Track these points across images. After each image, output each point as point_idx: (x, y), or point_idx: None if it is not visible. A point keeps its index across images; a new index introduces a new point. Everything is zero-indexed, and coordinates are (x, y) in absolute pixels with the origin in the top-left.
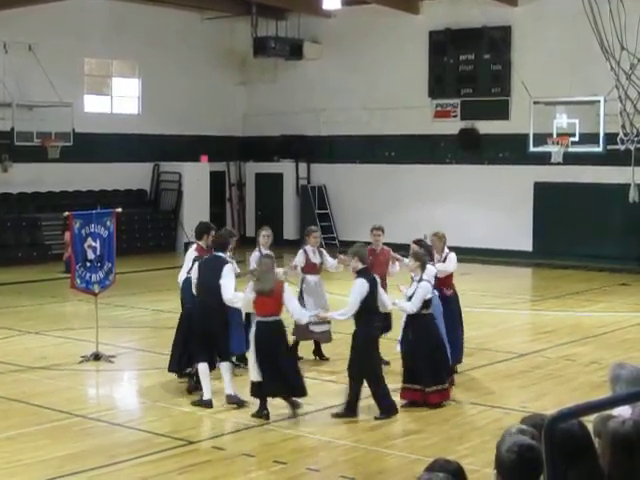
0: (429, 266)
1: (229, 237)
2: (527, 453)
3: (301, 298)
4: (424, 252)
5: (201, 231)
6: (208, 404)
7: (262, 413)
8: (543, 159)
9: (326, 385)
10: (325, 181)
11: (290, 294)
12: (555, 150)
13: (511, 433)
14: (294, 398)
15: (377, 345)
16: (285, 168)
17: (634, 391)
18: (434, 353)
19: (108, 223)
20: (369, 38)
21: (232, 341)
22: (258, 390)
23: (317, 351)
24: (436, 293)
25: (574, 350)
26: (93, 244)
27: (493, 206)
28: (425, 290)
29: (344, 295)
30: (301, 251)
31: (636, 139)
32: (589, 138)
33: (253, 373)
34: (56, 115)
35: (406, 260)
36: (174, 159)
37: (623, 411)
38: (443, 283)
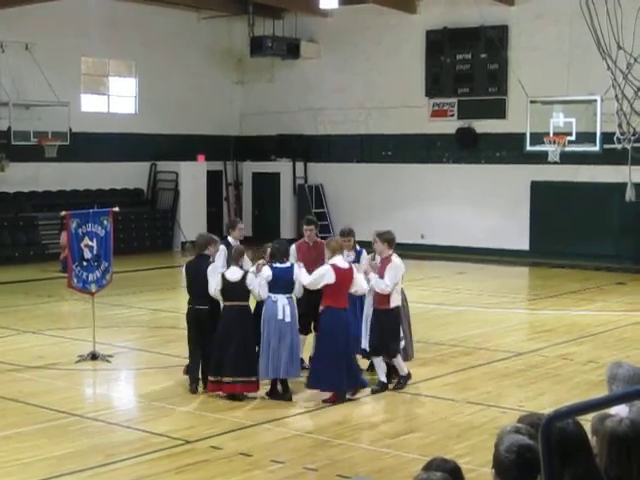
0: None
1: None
2: (527, 453)
3: None
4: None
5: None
6: None
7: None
8: (540, 158)
9: None
10: (322, 180)
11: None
12: (552, 149)
13: (507, 432)
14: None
15: (192, 324)
16: (282, 167)
17: (631, 390)
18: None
19: (105, 222)
20: (366, 37)
21: None
22: None
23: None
24: (272, 297)
25: (571, 349)
26: (90, 243)
27: (490, 205)
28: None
29: None
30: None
31: (633, 138)
32: (586, 137)
33: None
34: (53, 114)
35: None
36: (171, 158)
37: (620, 410)
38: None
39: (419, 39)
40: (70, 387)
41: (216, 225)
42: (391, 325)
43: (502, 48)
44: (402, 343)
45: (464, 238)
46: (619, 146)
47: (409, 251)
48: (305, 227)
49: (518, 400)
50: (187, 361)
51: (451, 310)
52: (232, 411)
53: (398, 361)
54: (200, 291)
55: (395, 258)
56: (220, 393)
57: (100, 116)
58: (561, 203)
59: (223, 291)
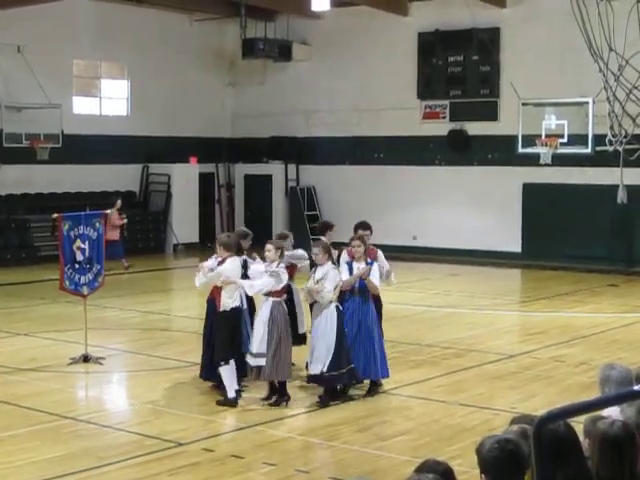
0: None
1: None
2: (509, 446)
3: None
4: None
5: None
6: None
7: None
8: (532, 160)
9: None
10: (314, 182)
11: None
12: (544, 151)
13: (486, 437)
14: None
15: None
16: (274, 169)
17: (623, 392)
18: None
19: (97, 225)
20: (358, 39)
21: None
22: None
23: None
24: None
25: (563, 351)
26: (82, 246)
27: (482, 207)
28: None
29: None
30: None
31: (624, 140)
32: (578, 139)
33: None
34: (45, 117)
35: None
36: (163, 160)
37: (612, 412)
38: None
39: (411, 41)
40: (62, 389)
41: (208, 227)
42: (216, 329)
43: (494, 50)
44: (260, 360)
45: (456, 240)
46: (611, 148)
47: (401, 253)
48: (361, 232)
49: (510, 402)
50: (181, 364)
51: (443, 312)
52: (224, 413)
53: (222, 373)
54: None
55: (226, 262)
56: None
57: (92, 118)
58: (553, 205)
59: None
